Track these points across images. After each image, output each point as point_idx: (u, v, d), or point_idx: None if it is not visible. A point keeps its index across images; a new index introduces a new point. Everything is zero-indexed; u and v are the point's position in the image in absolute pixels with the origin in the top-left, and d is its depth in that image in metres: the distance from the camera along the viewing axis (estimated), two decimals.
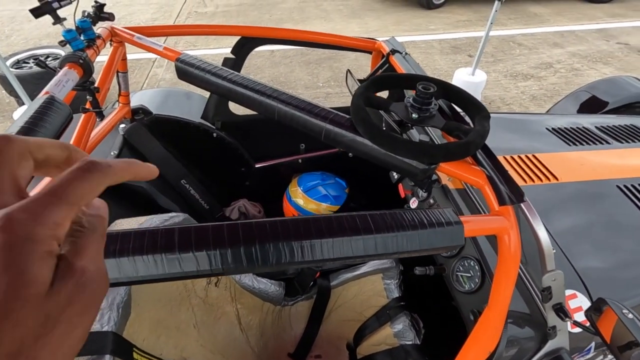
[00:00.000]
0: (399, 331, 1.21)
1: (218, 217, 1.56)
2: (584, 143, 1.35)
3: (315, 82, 3.54)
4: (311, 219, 0.53)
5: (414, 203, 1.23)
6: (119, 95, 1.28)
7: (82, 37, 0.92)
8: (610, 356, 1.13)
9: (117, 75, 1.23)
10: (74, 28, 0.90)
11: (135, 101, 1.42)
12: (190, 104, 1.68)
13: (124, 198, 1.33)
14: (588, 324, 0.70)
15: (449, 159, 0.66)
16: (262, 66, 3.78)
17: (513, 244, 0.63)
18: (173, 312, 1.13)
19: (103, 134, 1.08)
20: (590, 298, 0.87)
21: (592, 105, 1.99)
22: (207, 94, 1.59)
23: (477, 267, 0.94)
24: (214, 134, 1.55)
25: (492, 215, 0.62)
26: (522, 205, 0.64)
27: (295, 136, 1.72)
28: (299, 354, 1.37)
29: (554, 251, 0.64)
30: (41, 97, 0.68)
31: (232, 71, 0.86)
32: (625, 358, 0.63)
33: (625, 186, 1.16)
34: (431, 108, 0.73)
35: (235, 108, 1.74)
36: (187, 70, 0.91)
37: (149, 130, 1.41)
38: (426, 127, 0.92)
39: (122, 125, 1.33)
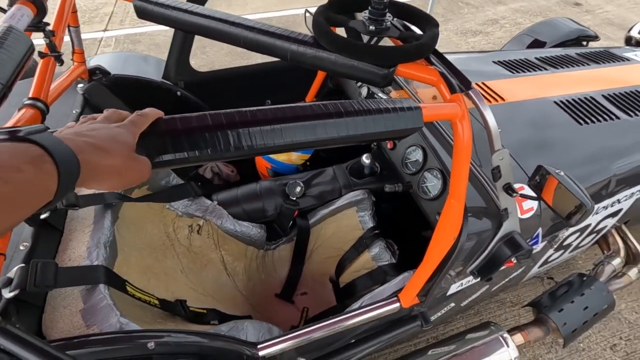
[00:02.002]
0: (376, 254, 1.31)
1: (191, 176, 1.57)
2: (526, 71, 1.48)
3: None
4: (286, 107, 0.58)
5: None
6: (73, 52, 1.24)
7: None
8: (556, 248, 1.30)
9: (69, 30, 1.19)
10: None
11: (91, 65, 1.38)
12: (148, 66, 1.64)
13: None
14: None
15: (406, 59, 0.73)
16: None
17: (466, 130, 0.72)
18: (159, 260, 1.16)
19: (59, 89, 1.06)
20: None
21: (533, 47, 2.15)
22: (165, 57, 1.57)
23: (439, 175, 1.04)
24: (178, 93, 1.54)
25: (446, 102, 0.71)
26: (470, 92, 0.73)
27: (261, 90, 1.74)
28: (286, 293, 1.45)
29: (499, 130, 0.74)
30: None
31: (192, 4, 0.87)
32: (568, 220, 0.75)
33: (560, 101, 1.31)
34: (386, 20, 0.79)
35: (197, 65, 1.72)
36: (145, 8, 0.90)
37: (110, 91, 1.38)
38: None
39: (80, 85, 1.29)
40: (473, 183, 0.97)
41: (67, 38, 1.04)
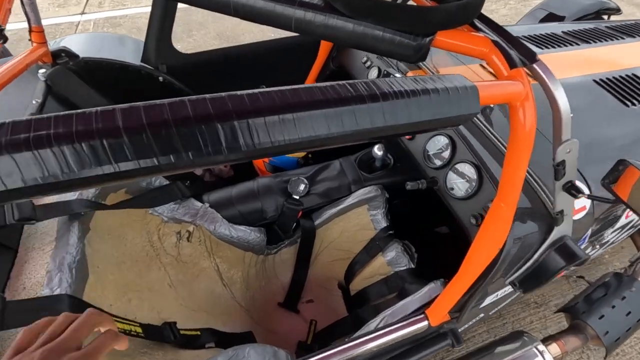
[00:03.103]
0: (392, 259, 1.16)
1: (178, 174, 1.39)
2: (555, 46, 1.31)
3: (267, 35, 3.29)
4: (300, 88, 0.40)
5: None
6: (30, 31, 1.04)
7: None
8: (598, 247, 1.16)
9: (22, 3, 0.98)
10: None
11: (56, 47, 1.17)
12: (124, 48, 1.43)
13: None
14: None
15: (449, 23, 0.56)
16: (205, 22, 3.43)
17: (529, 114, 0.55)
18: (142, 274, 0.99)
19: (10, 74, 0.86)
20: (585, 180, 0.84)
21: (549, 21, 1.97)
22: (143, 37, 1.36)
23: (472, 169, 0.87)
24: (160, 78, 1.35)
25: (505, 79, 0.54)
26: (535, 66, 0.56)
27: (255, 74, 1.55)
28: (290, 302, 1.30)
29: (571, 116, 0.58)
30: None
31: None
32: None
33: (601, 79, 1.14)
34: None
35: (183, 49, 1.52)
36: None
37: (78, 77, 1.18)
38: None
39: (42, 71, 1.09)
40: None
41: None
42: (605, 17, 2.03)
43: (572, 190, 0.65)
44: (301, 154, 1.46)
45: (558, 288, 1.52)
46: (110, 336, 0.42)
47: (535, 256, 0.80)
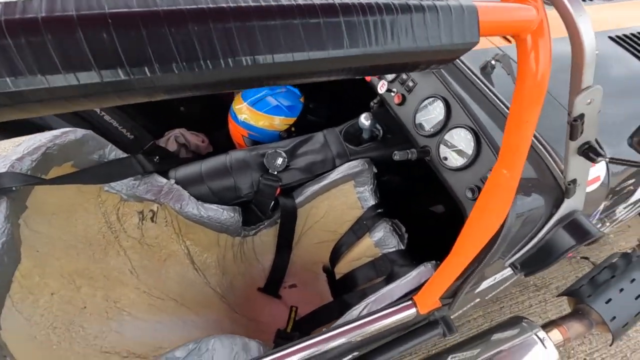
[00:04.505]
0: (380, 239, 1.05)
1: (147, 149, 1.26)
2: None
3: None
4: None
5: (382, 87, 1.02)
6: None
7: None
8: (608, 224, 1.05)
9: None
10: None
11: None
12: None
13: None
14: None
15: None
16: None
17: (543, 54, 0.42)
18: (97, 259, 0.88)
19: None
20: (599, 145, 0.72)
21: None
22: None
23: (469, 135, 0.75)
24: None
25: (515, 2, 0.41)
26: None
27: None
28: (271, 287, 1.20)
29: (597, 52, 0.45)
30: None
31: None
32: None
33: (617, 36, 1.01)
34: None
35: None
36: None
37: None
38: None
39: None
40: None
41: None
42: None
43: (591, 153, 0.53)
44: (283, 127, 1.34)
45: (559, 270, 1.42)
46: None
47: (541, 234, 0.69)
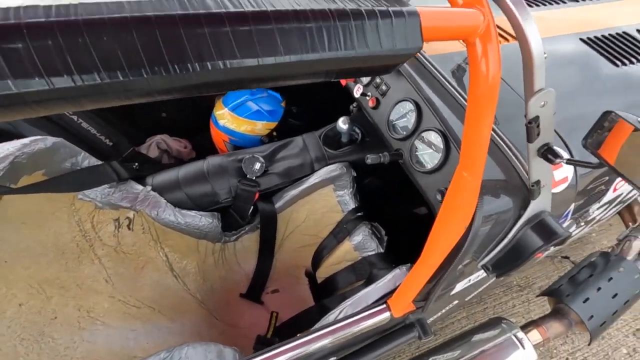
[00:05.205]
0: (359, 243, 1.05)
1: (127, 156, 1.25)
2: (541, 5, 1.19)
3: None
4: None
5: (357, 91, 1.02)
6: None
7: None
8: (583, 224, 1.06)
9: None
10: None
11: None
12: None
13: None
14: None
15: None
16: None
17: (492, 57, 0.43)
18: (70, 268, 0.87)
19: None
20: (567, 147, 0.73)
21: None
22: None
23: (439, 138, 0.76)
24: None
25: (461, 6, 0.41)
26: None
27: None
28: (253, 292, 1.19)
29: (545, 56, 0.46)
30: None
31: None
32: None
33: (588, 38, 1.02)
34: None
35: None
36: None
37: None
38: None
39: None
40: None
41: None
42: None
43: (549, 155, 0.53)
44: (265, 132, 1.33)
45: (542, 270, 1.43)
46: None
47: (510, 235, 0.69)
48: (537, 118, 0.49)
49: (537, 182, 0.61)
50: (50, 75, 0.23)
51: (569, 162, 0.53)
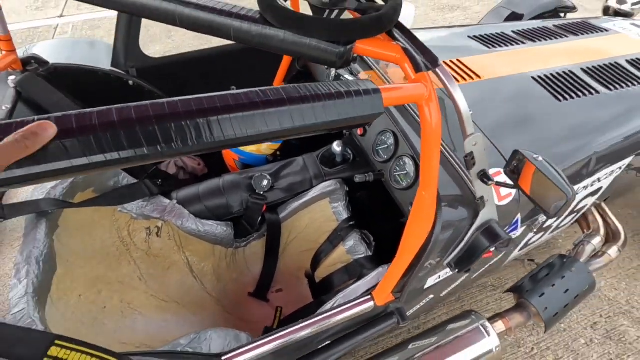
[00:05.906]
0: (351, 247, 1.24)
1: (151, 173, 1.45)
2: (503, 45, 1.40)
3: None
4: (216, 95, 0.48)
5: None
6: None
7: None
8: (536, 231, 1.25)
9: None
10: None
11: (27, 54, 1.22)
12: (96, 52, 1.49)
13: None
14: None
15: (364, 33, 0.63)
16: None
17: (434, 113, 0.63)
18: (113, 268, 1.06)
19: None
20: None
21: (511, 20, 2.07)
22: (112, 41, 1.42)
23: (411, 162, 0.96)
24: (130, 82, 1.40)
25: (410, 82, 0.62)
26: (437, 70, 0.64)
27: (225, 77, 1.61)
28: (260, 291, 1.37)
29: (471, 113, 0.66)
30: None
31: None
32: (549, 209, 0.68)
33: (539, 76, 1.23)
34: None
35: (163, 51, 1.57)
36: None
37: (49, 83, 1.23)
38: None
39: (12, 77, 1.14)
40: (447, 169, 0.90)
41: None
42: (563, 14, 2.14)
43: (484, 178, 0.74)
44: (269, 152, 1.53)
45: (514, 272, 1.62)
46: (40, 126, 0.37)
47: (466, 238, 0.89)
48: (471, 153, 0.70)
49: (482, 198, 0.81)
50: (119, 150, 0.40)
51: (497, 184, 0.74)
